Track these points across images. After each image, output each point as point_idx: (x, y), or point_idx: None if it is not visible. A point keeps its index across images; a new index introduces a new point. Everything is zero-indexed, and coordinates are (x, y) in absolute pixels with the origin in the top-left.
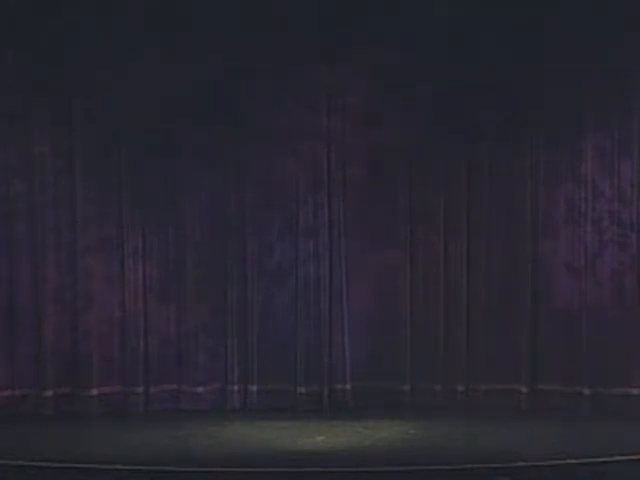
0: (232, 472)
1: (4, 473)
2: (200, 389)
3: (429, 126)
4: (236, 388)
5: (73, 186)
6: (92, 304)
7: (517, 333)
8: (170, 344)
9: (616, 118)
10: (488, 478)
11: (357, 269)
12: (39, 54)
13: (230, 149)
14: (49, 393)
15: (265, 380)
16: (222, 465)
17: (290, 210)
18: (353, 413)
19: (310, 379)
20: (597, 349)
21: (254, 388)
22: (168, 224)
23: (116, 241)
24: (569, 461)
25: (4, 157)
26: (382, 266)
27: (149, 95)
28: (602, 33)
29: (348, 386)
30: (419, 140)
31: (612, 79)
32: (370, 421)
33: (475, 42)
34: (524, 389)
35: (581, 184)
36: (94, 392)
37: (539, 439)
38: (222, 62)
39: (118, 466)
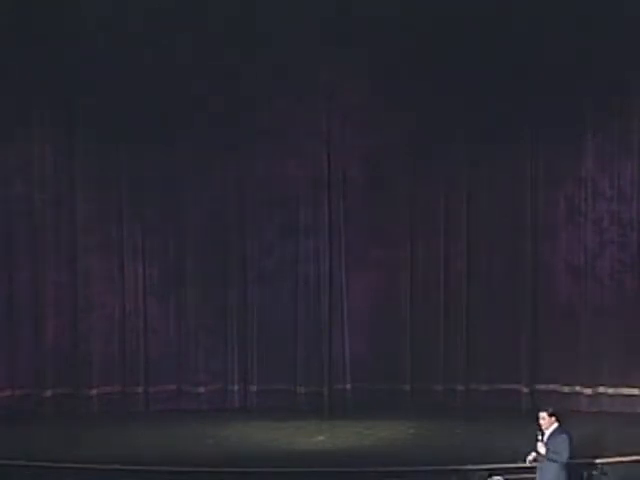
0: (232, 472)
1: (4, 473)
2: (200, 389)
3: (429, 126)
4: (236, 388)
5: (73, 186)
6: (92, 304)
7: (517, 333)
8: (170, 344)
9: (616, 118)
10: (487, 478)
11: (357, 269)
12: (39, 54)
13: (230, 149)
14: (49, 393)
15: (265, 380)
16: (222, 465)
17: (290, 210)
18: (353, 413)
19: (310, 379)
20: (597, 349)
21: (254, 388)
22: (168, 224)
23: (116, 241)
24: (569, 461)
25: (4, 157)
26: (382, 266)
27: (149, 95)
28: (602, 33)
29: (348, 386)
30: (419, 140)
31: (612, 79)
32: (370, 421)
33: (475, 43)
34: (524, 389)
35: (581, 184)
36: (94, 392)
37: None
38: (222, 62)
39: (118, 466)
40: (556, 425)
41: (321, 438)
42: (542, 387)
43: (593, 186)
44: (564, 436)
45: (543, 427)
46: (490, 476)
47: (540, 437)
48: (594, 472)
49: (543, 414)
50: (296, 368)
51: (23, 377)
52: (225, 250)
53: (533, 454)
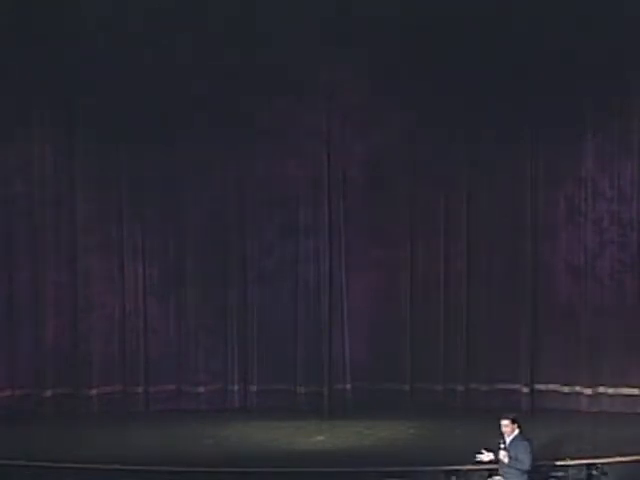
0: (232, 472)
1: (4, 473)
2: (200, 389)
3: (429, 126)
4: (236, 388)
5: (73, 186)
6: (92, 304)
7: (517, 333)
8: (170, 344)
9: (616, 118)
10: (487, 478)
11: (357, 269)
12: (39, 54)
13: (230, 149)
14: (49, 393)
15: (265, 380)
16: (222, 465)
17: (290, 210)
18: (353, 413)
19: (310, 379)
20: (597, 349)
21: (254, 388)
22: (168, 224)
23: (116, 241)
24: (569, 461)
25: (4, 157)
26: (382, 266)
27: (149, 95)
28: (602, 33)
29: (348, 386)
30: (419, 140)
31: (612, 79)
32: (370, 421)
33: (475, 43)
34: (524, 389)
35: (581, 184)
36: (94, 392)
37: (539, 439)
38: (222, 62)
39: (118, 466)
40: (517, 432)
41: (321, 438)
42: (542, 387)
43: (593, 186)
44: (525, 443)
45: (505, 434)
46: (490, 476)
47: (502, 445)
48: (594, 472)
49: (506, 421)
50: (296, 368)
51: (23, 377)
52: (225, 250)
53: (488, 455)
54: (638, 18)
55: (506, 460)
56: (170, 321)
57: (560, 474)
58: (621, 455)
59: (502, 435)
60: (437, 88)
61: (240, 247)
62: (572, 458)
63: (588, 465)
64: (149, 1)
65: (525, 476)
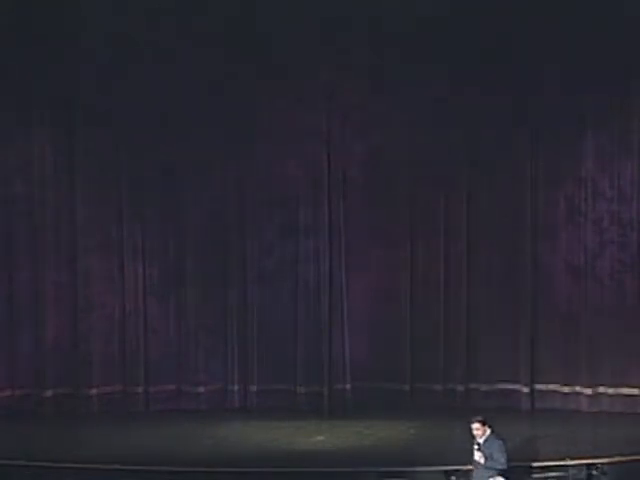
0: (232, 472)
1: (4, 473)
2: (200, 389)
3: (429, 126)
4: (236, 388)
5: (73, 186)
6: (92, 304)
7: (517, 333)
8: (170, 344)
9: (616, 118)
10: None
11: (357, 269)
12: (39, 54)
13: (230, 149)
14: (49, 393)
15: (265, 380)
16: (222, 465)
17: (290, 210)
18: (353, 413)
19: (310, 379)
20: (597, 349)
21: (254, 388)
22: (168, 224)
23: (116, 241)
24: (569, 461)
25: (4, 157)
26: (382, 266)
27: (149, 95)
28: (602, 33)
29: (348, 386)
30: (419, 140)
31: (612, 79)
32: (370, 421)
33: (475, 43)
34: (524, 389)
35: (581, 184)
36: (94, 392)
37: (539, 439)
38: (222, 63)
39: (118, 466)
40: (489, 432)
41: (321, 438)
42: (542, 387)
43: (593, 186)
44: (499, 442)
45: (477, 437)
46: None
47: (477, 446)
48: (594, 472)
49: (476, 425)
50: (296, 368)
51: (23, 377)
52: (225, 250)
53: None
54: (638, 18)
55: (482, 461)
56: (170, 321)
57: (560, 474)
58: (621, 455)
59: (474, 438)
60: (437, 88)
61: (240, 247)
62: (572, 458)
63: (588, 465)
64: (149, 1)
65: (502, 476)
